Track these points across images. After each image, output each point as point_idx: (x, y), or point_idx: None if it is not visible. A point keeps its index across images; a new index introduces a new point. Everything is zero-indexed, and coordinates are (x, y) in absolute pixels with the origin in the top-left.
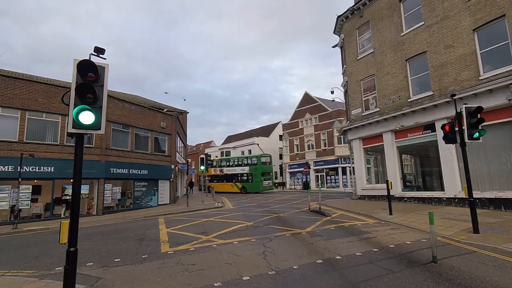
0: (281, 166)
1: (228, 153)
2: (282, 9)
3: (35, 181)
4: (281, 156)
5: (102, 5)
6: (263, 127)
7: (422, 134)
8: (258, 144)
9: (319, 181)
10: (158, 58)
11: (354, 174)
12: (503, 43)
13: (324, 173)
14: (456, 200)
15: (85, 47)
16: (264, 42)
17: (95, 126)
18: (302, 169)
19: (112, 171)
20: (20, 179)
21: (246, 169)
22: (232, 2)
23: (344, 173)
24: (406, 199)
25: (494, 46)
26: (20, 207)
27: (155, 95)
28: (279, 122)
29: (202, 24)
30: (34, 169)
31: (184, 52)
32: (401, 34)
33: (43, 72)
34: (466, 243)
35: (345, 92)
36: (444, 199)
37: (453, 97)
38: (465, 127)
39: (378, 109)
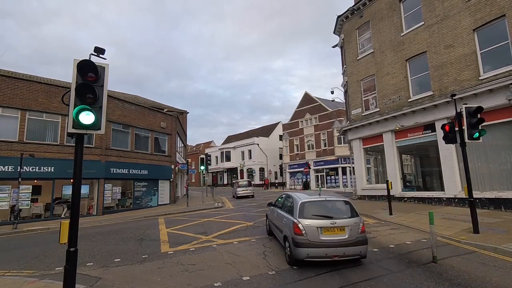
0: (281, 166)
1: (228, 153)
2: (283, 10)
3: (35, 181)
4: (281, 156)
5: (104, 6)
6: (263, 127)
7: (422, 134)
8: (258, 144)
9: (319, 181)
10: (159, 59)
11: (354, 174)
12: (503, 43)
13: (324, 173)
14: (456, 200)
15: (87, 48)
16: (266, 42)
17: (95, 126)
18: (302, 169)
19: (112, 171)
20: (20, 179)
21: None
22: (234, 2)
23: (344, 173)
24: (406, 199)
25: (494, 46)
26: (20, 207)
27: (157, 95)
28: (279, 122)
29: (204, 25)
30: (34, 169)
31: (185, 52)
32: (401, 34)
33: (46, 73)
34: (466, 243)
35: (345, 92)
36: (444, 199)
37: (453, 97)
38: (465, 127)
39: (378, 109)
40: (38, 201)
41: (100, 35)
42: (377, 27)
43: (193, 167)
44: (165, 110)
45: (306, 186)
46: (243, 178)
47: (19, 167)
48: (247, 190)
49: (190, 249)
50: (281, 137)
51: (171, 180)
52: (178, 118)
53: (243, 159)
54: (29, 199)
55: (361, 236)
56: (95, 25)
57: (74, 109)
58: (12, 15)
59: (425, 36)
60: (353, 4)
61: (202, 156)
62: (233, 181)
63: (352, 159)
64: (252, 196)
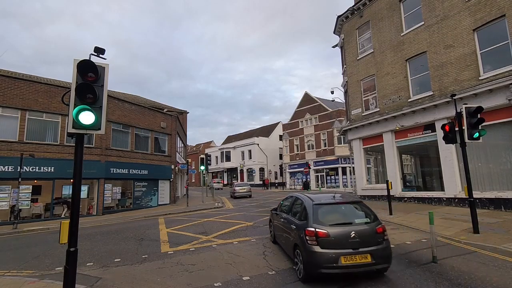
0: (281, 166)
1: (228, 153)
2: (284, 10)
3: (35, 181)
4: (281, 156)
5: (107, 6)
6: (263, 127)
7: (422, 134)
8: (258, 144)
9: (319, 181)
10: (161, 59)
11: (354, 174)
12: (503, 43)
13: (324, 173)
14: (456, 200)
15: (89, 48)
16: (267, 43)
17: (95, 126)
18: (302, 169)
19: (112, 171)
20: (20, 179)
21: None
22: (236, 3)
23: (344, 173)
24: (406, 199)
25: (494, 46)
26: (20, 207)
27: (158, 95)
28: (279, 122)
29: (206, 26)
30: (34, 169)
31: (187, 53)
32: (401, 34)
33: (48, 73)
34: (466, 243)
35: (345, 92)
36: (444, 199)
37: (453, 97)
38: (465, 127)
39: (378, 109)
40: (38, 201)
41: (103, 36)
42: (377, 27)
43: (193, 167)
44: (165, 110)
45: (306, 186)
46: (242, 179)
47: (19, 167)
48: (219, 184)
49: (190, 249)
50: (281, 137)
51: (171, 180)
52: (178, 118)
53: (243, 159)
54: (29, 199)
55: None
56: (97, 26)
57: (74, 109)
58: (14, 16)
59: (425, 36)
60: (353, 4)
61: (202, 156)
62: (212, 180)
63: (352, 159)
64: (221, 188)
